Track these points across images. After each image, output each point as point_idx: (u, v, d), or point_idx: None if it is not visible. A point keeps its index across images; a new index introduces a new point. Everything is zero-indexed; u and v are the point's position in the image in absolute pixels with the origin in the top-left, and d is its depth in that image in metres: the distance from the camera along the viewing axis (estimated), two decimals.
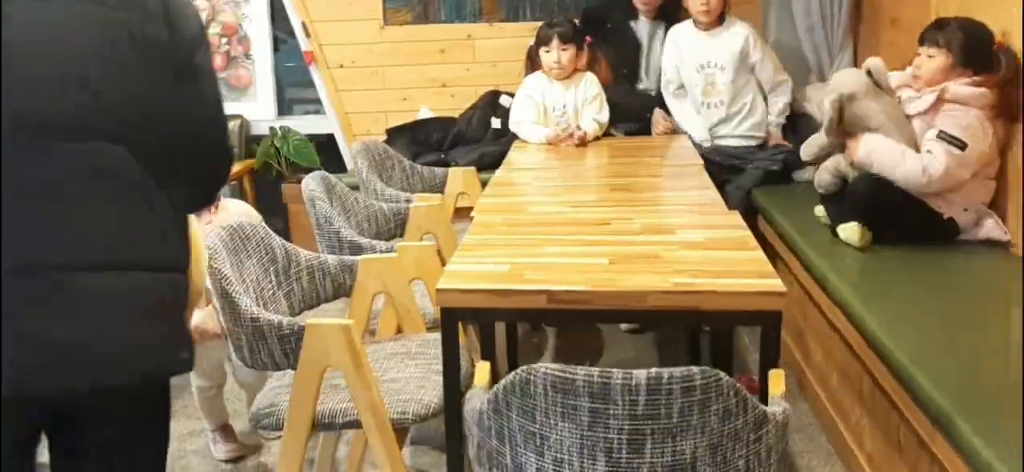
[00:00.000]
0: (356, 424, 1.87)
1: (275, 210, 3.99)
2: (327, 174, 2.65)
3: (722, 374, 1.24)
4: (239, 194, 4.06)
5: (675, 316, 1.72)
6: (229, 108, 4.20)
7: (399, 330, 2.33)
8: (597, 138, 3.31)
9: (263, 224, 2.19)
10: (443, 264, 2.76)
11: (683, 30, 3.44)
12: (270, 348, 1.84)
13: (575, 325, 3.30)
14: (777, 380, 1.51)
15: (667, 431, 1.24)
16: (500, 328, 2.77)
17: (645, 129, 3.58)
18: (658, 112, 3.57)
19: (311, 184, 2.50)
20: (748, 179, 3.32)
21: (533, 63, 3.44)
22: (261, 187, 4.13)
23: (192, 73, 1.35)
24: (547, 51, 3.32)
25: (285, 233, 4.23)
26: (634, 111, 3.59)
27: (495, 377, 2.45)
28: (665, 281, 1.71)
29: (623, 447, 1.24)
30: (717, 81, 3.37)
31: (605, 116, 3.36)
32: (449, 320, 1.71)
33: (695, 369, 1.23)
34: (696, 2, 3.31)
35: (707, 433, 1.25)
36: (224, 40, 4.26)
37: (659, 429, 1.23)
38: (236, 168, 3.98)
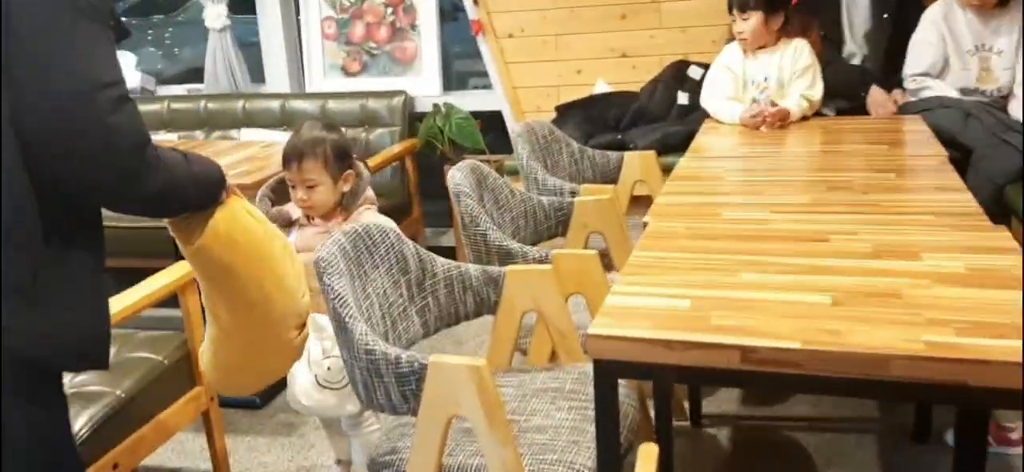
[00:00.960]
0: None
1: (439, 193, 3.70)
2: (478, 163, 2.29)
3: None
4: (401, 176, 3.81)
5: (928, 391, 1.20)
6: (393, 83, 3.98)
7: (553, 356, 1.93)
8: (804, 118, 2.74)
9: (396, 230, 1.85)
10: (611, 270, 2.34)
11: (942, 9, 2.83)
12: (387, 387, 1.49)
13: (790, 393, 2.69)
14: None
15: None
16: None
17: (856, 109, 2.96)
18: (878, 91, 2.93)
19: (457, 176, 2.15)
20: (999, 166, 2.61)
21: None
22: (424, 169, 3.86)
23: None
24: (733, 20, 2.80)
25: (447, 218, 3.95)
26: (840, 85, 2.96)
27: (668, 441, 2.02)
28: (915, 339, 1.20)
29: None
30: (992, 66, 2.71)
31: (817, 91, 2.78)
32: (604, 376, 1.29)
33: None
34: None
35: None
36: (389, 10, 4.01)
37: None
38: (397, 148, 3.72)
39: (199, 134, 4.03)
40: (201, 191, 1.40)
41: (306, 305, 1.64)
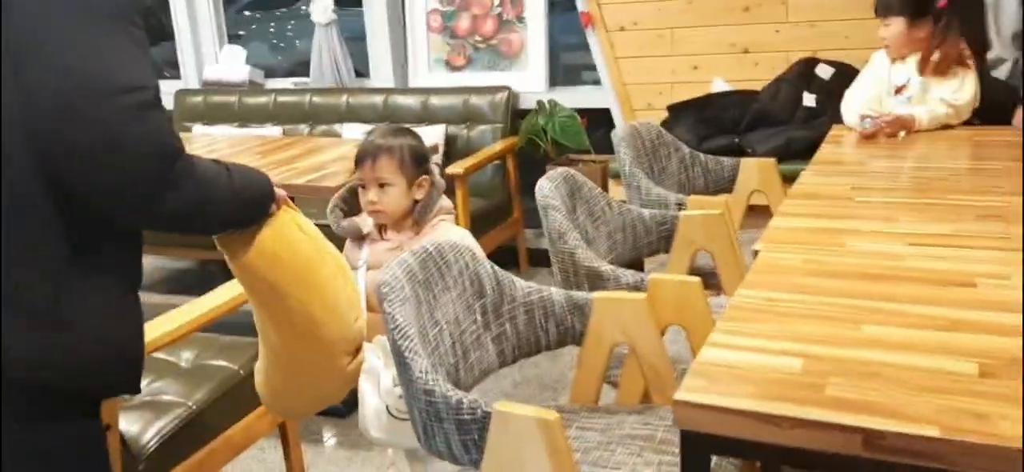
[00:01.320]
0: None
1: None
2: (571, 172, 2.10)
3: None
4: (501, 175, 3.65)
5: None
6: (498, 77, 3.83)
7: (646, 395, 1.73)
8: (948, 127, 2.41)
9: (473, 248, 1.69)
10: (719, 292, 2.11)
11: None
12: (446, 434, 1.33)
13: None
14: None
15: None
16: None
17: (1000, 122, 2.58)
18: None
19: (546, 187, 1.96)
20: None
21: None
22: (525, 169, 3.69)
23: None
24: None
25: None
26: (985, 98, 2.59)
27: None
28: None
29: None
30: None
31: (965, 96, 2.44)
32: (694, 452, 1.08)
33: None
34: None
35: None
36: (496, 1, 3.85)
37: None
38: (497, 147, 3.57)
39: (304, 127, 4.00)
40: (243, 206, 1.28)
41: (360, 330, 1.50)
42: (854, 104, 2.59)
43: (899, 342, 1.20)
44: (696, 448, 1.08)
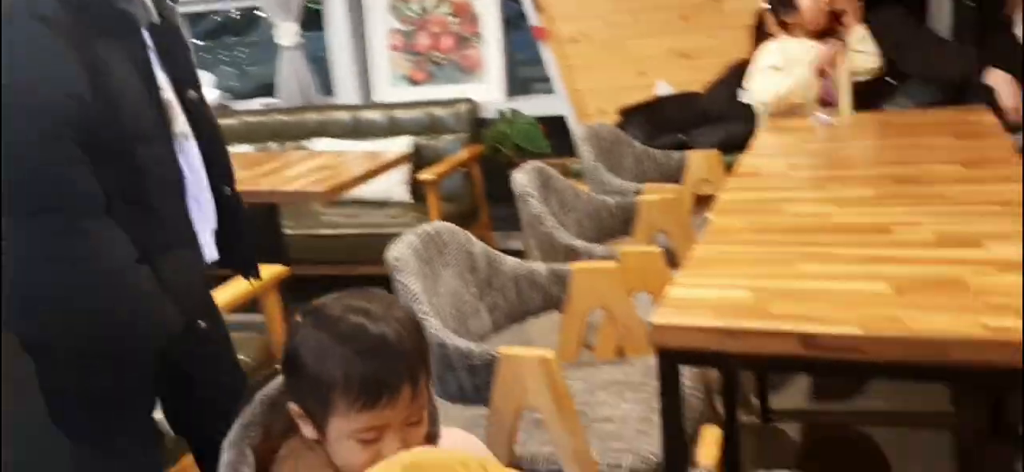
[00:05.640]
0: None
1: (506, 198, 3.78)
2: (543, 166, 2.36)
3: None
4: (468, 182, 3.90)
5: (990, 377, 1.22)
6: (458, 90, 4.07)
7: (619, 351, 1.99)
8: (874, 106, 2.72)
9: (464, 230, 1.93)
10: (676, 268, 2.38)
11: None
12: (459, 379, 1.57)
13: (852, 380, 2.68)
14: None
15: None
16: None
17: (955, 100, 2.81)
18: (1000, 77, 2.69)
19: (522, 178, 2.22)
20: None
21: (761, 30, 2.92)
22: (491, 174, 3.94)
23: None
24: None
25: (515, 221, 4.01)
26: (934, 68, 2.84)
27: (735, 433, 2.04)
28: (975, 324, 1.21)
29: None
30: None
31: (869, 45, 2.77)
32: (667, 365, 1.34)
33: None
34: None
35: None
36: (454, 19, 4.11)
37: None
38: (464, 154, 3.82)
39: (273, 145, 4.20)
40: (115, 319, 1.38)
41: None
42: (757, 75, 2.87)
43: (828, 274, 1.48)
44: (668, 361, 1.34)
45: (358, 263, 3.43)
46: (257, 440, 1.09)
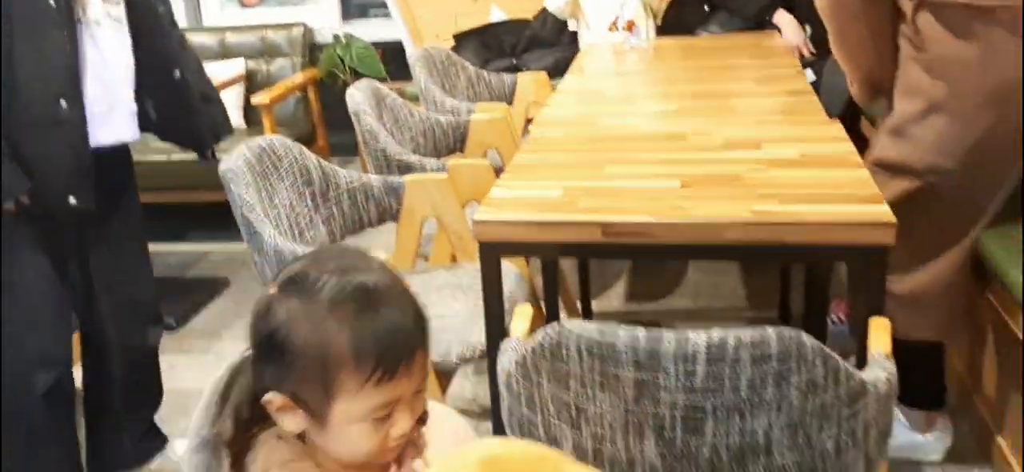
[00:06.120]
0: None
1: (343, 124, 3.81)
2: (377, 84, 2.43)
3: (806, 337, 0.98)
4: (304, 107, 3.89)
5: (757, 253, 1.44)
6: (292, 14, 4.03)
7: (453, 259, 2.12)
8: (687, 31, 2.95)
9: (298, 144, 1.99)
10: None
11: None
12: None
13: (647, 260, 3.00)
14: (880, 332, 1.23)
15: (733, 408, 0.99)
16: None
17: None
18: (785, 18, 2.95)
19: (356, 96, 2.29)
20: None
21: None
22: (327, 98, 3.95)
23: None
24: None
25: (353, 147, 4.06)
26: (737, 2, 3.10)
27: (553, 319, 2.25)
28: (745, 209, 1.43)
29: (677, 425, 1.00)
30: None
31: None
32: (489, 256, 1.49)
33: (771, 332, 0.97)
34: None
35: (786, 410, 1.00)
36: None
37: (723, 405, 0.99)
38: (299, 78, 3.81)
39: None
40: None
41: None
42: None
43: (629, 175, 1.66)
44: (490, 253, 1.48)
45: (196, 190, 3.39)
46: (229, 435, 0.91)
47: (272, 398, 0.85)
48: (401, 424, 0.86)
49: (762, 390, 0.98)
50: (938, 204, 1.74)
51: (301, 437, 0.88)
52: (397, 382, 0.84)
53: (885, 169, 1.77)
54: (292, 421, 0.86)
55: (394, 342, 0.83)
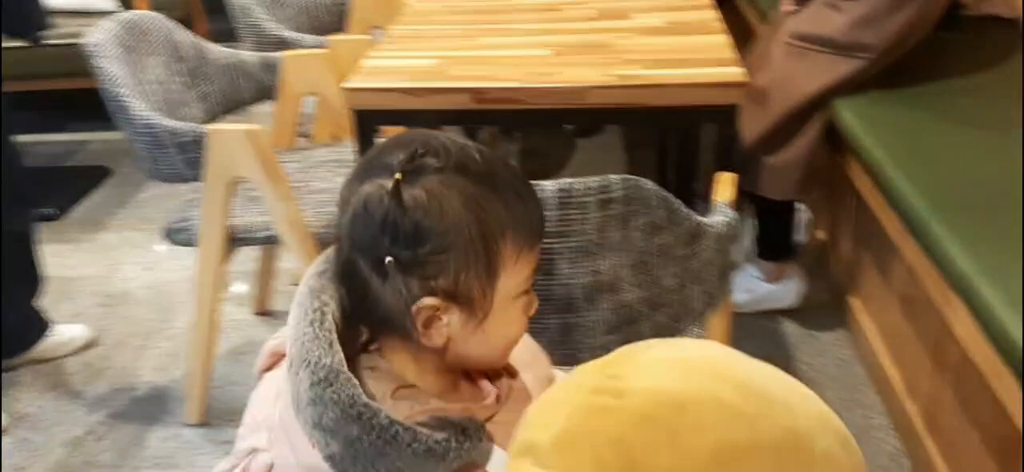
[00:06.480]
0: (276, 239, 1.71)
1: (224, 9, 3.68)
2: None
3: (646, 183, 1.05)
4: None
5: (619, 115, 1.51)
6: None
7: (336, 136, 2.13)
8: None
9: (169, 19, 1.94)
10: None
11: None
12: (170, 158, 1.64)
13: (527, 128, 3.05)
14: (725, 186, 1.32)
15: (582, 249, 1.06)
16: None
17: None
18: None
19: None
20: None
21: None
22: None
23: None
24: None
25: (233, 34, 3.92)
26: None
27: None
28: (608, 74, 1.49)
29: None
30: None
31: None
32: (362, 124, 1.51)
33: (614, 177, 1.04)
34: None
35: (630, 250, 1.08)
36: None
37: (572, 248, 1.06)
38: None
39: None
40: None
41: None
42: None
43: (502, 45, 1.70)
44: (365, 122, 1.51)
45: (72, 76, 3.25)
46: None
47: (425, 303, 0.73)
48: (534, 302, 0.80)
49: (608, 231, 1.05)
50: (830, 78, 1.80)
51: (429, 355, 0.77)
52: (538, 247, 0.78)
53: (802, 40, 1.82)
54: (439, 330, 0.75)
55: (536, 201, 0.78)
